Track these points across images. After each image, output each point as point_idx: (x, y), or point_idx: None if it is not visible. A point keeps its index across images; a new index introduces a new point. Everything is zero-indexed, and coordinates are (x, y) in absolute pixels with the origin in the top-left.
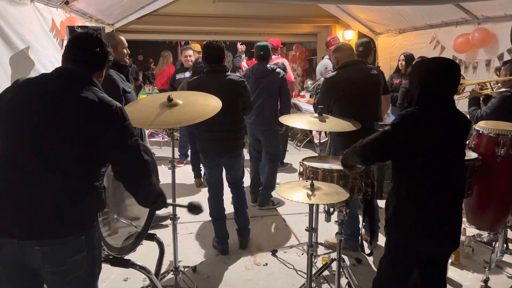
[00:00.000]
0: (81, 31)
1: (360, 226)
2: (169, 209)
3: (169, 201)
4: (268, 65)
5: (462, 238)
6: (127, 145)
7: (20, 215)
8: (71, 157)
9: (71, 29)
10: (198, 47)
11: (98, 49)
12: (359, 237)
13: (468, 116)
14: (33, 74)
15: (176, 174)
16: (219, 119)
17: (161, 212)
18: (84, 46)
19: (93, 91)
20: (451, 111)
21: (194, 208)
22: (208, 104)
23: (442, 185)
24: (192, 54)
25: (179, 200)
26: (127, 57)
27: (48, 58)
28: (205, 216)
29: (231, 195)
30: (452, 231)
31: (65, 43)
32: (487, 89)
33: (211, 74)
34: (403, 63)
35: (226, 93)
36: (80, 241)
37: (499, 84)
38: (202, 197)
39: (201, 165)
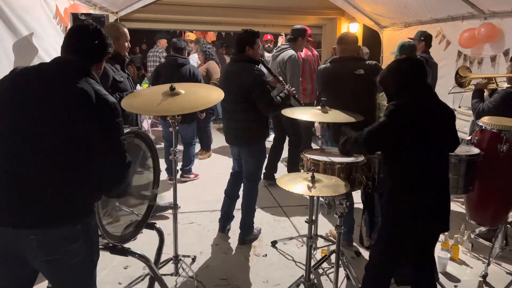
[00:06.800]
0: (81, 23)
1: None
2: (170, 199)
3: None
4: None
5: (463, 235)
6: (113, 143)
7: (16, 203)
8: (65, 147)
9: (75, 16)
10: (193, 36)
11: (97, 41)
12: (352, 232)
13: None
14: (36, 61)
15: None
16: (225, 106)
17: (162, 202)
18: (84, 38)
19: (89, 82)
20: (436, 103)
21: (152, 199)
22: (210, 94)
23: (434, 172)
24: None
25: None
26: (127, 50)
27: (52, 45)
28: (206, 206)
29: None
30: (443, 215)
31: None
32: (493, 83)
33: (231, 62)
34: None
35: (233, 82)
36: (76, 230)
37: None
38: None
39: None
